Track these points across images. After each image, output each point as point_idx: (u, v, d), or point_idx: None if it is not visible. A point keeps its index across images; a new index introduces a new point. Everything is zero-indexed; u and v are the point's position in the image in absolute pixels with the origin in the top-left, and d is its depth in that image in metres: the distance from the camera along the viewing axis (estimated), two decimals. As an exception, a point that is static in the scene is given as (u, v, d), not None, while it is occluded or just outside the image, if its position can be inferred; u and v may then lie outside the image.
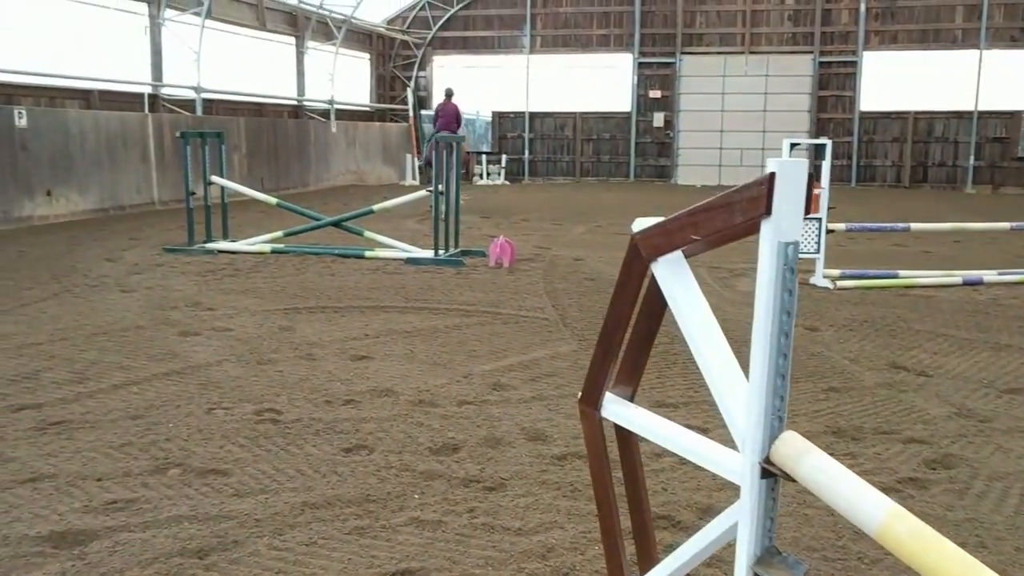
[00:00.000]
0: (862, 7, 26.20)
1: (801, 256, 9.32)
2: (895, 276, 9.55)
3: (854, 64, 26.60)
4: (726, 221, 2.11)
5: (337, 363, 5.98)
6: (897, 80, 26.60)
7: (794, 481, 1.99)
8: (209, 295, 8.35)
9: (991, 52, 25.81)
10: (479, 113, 28.33)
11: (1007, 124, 26.06)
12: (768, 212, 1.97)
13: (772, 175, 1.97)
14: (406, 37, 28.94)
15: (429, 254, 10.55)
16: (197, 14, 19.07)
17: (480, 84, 28.74)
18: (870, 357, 6.37)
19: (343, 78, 26.96)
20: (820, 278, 9.32)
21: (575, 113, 28.28)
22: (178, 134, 11.47)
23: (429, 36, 28.76)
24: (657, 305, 2.50)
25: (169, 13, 18.59)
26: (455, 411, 4.99)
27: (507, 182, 27.27)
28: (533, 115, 28.43)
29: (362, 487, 3.91)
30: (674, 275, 2.36)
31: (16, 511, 3.63)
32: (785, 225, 1.99)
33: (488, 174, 27.39)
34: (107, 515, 3.59)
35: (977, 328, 7.37)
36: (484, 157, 27.53)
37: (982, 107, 26.11)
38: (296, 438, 4.52)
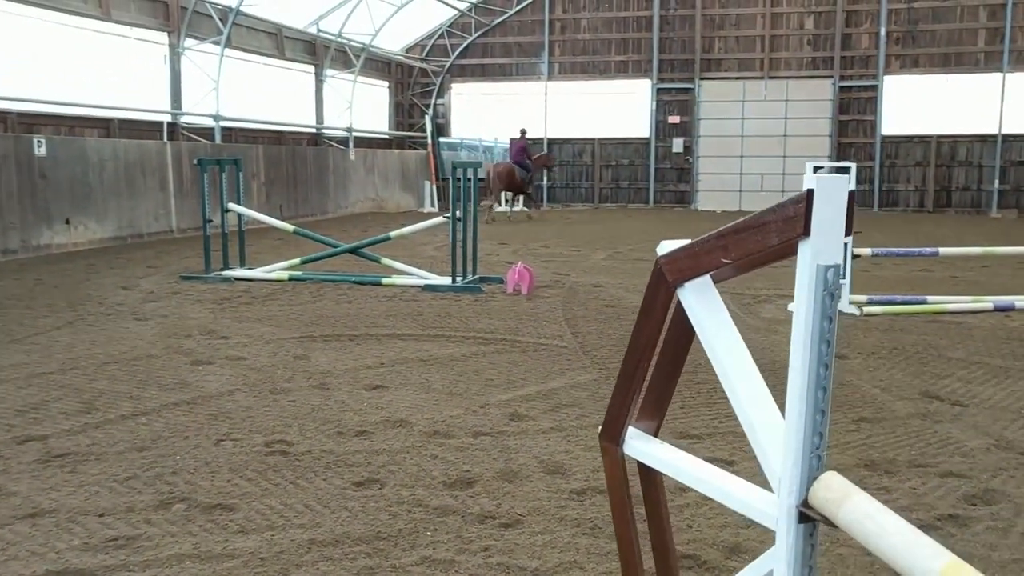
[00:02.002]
0: (882, 31, 26.05)
1: (826, 281, 9.13)
2: (923, 302, 9.31)
3: (875, 88, 26.40)
4: (759, 243, 1.95)
5: (351, 393, 5.83)
6: (919, 104, 26.37)
7: (835, 527, 1.82)
8: (224, 323, 8.24)
9: (1014, 75, 25.55)
10: (497, 140, 28.32)
11: (1032, 147, 25.74)
12: (807, 232, 1.81)
13: (810, 192, 1.81)
14: (425, 65, 29.04)
15: (447, 281, 10.42)
16: (216, 43, 19.19)
17: (499, 111, 28.77)
18: (901, 386, 6.15)
19: (362, 106, 27.07)
20: (847, 304, 9.09)
21: (594, 139, 28.21)
22: (195, 161, 11.45)
23: (447, 64, 28.84)
24: (684, 333, 2.34)
25: (189, 42, 18.72)
26: (471, 443, 4.82)
27: (524, 208, 27.17)
28: (552, 141, 28.37)
29: (372, 524, 3.74)
30: (702, 301, 2.19)
31: (13, 548, 3.49)
32: (824, 246, 1.82)
33: (505, 200, 27.29)
34: (106, 553, 3.44)
35: (1012, 356, 7.13)
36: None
37: (1006, 130, 25.81)
38: (306, 471, 4.36)
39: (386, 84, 29.05)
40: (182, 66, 18.62)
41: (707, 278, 2.22)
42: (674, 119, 27.41)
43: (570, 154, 28.52)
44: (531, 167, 22.93)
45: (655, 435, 2.48)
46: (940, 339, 7.77)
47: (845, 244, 8.96)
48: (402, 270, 10.72)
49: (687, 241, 2.22)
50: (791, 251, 1.87)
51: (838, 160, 26.48)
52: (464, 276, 10.55)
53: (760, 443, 1.98)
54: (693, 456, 2.31)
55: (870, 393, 5.95)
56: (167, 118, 18.32)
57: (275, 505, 3.93)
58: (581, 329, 8.08)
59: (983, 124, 26.07)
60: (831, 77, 26.53)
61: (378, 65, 27.97)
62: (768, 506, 1.97)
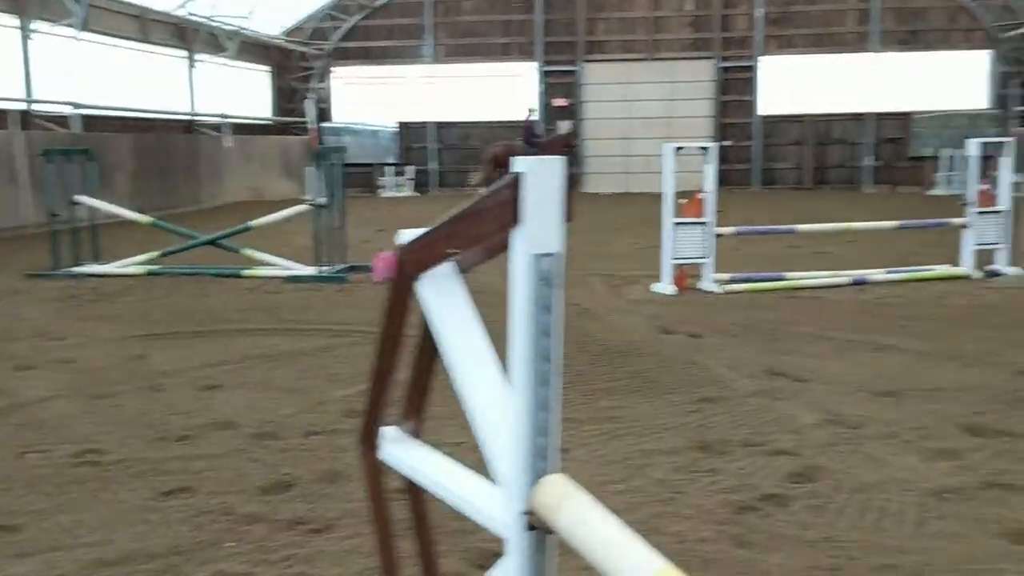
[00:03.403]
0: (759, 12, 26.62)
1: (690, 261, 9.21)
2: (782, 278, 9.48)
3: (753, 69, 27.00)
4: (480, 231, 1.80)
5: (183, 394, 5.52)
6: (795, 84, 27.10)
7: (554, 534, 1.70)
8: (63, 323, 7.76)
9: (883, 55, 26.50)
10: (386, 124, 27.90)
11: (901, 124, 26.79)
12: (519, 219, 1.67)
13: (518, 177, 1.67)
14: (306, 49, 28.30)
15: (313, 271, 10.11)
16: (71, 25, 18.18)
17: (384, 95, 28.30)
18: (748, 363, 6.19)
19: (241, 92, 26.20)
20: (709, 283, 9.19)
21: (481, 122, 28.04)
22: (40, 152, 10.79)
23: (330, 47, 28.17)
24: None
25: (41, 25, 17.67)
26: (298, 443, 4.60)
27: (415, 193, 26.88)
28: (439, 125, 28.08)
29: (171, 537, 3.50)
30: (440, 293, 2.04)
31: None
32: (538, 234, 1.68)
33: (395, 185, 26.95)
34: None
35: (859, 329, 7.29)
36: (389, 168, 27.08)
37: (877, 109, 26.77)
38: (111, 482, 4.07)
39: (267, 69, 28.20)
40: (35, 50, 17.57)
41: (450, 269, 2.07)
42: (560, 102, 27.46)
43: (458, 137, 28.28)
44: (539, 147, 22.20)
45: (417, 436, 2.33)
46: (794, 315, 7.90)
47: (706, 223, 9.04)
48: (265, 261, 10.34)
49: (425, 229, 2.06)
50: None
51: (721, 140, 27.04)
52: (332, 265, 10.24)
53: (489, 446, 1.84)
54: (444, 457, 2.16)
55: (717, 372, 5.97)
56: (20, 106, 17.27)
57: (66, 522, 3.64)
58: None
59: (855, 103, 26.98)
60: (712, 58, 27.01)
61: (257, 49, 27.11)
62: (501, 513, 1.84)
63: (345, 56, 28.35)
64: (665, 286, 9.12)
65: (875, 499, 3.79)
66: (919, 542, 3.38)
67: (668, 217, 9.09)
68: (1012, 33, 25.82)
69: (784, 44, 26.95)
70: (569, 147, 24.74)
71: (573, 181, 24.19)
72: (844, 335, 7.06)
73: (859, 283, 9.38)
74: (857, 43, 26.62)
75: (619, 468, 4.19)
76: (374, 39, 28.09)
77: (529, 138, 24.37)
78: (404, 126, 28.11)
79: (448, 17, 27.80)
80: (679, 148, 9.18)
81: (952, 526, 3.52)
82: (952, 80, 26.76)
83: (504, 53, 27.81)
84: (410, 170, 27.33)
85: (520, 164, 1.67)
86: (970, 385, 5.59)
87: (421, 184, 27.50)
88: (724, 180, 26.82)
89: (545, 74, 27.58)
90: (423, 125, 28.12)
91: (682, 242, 9.08)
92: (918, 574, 3.15)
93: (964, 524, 3.54)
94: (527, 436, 1.72)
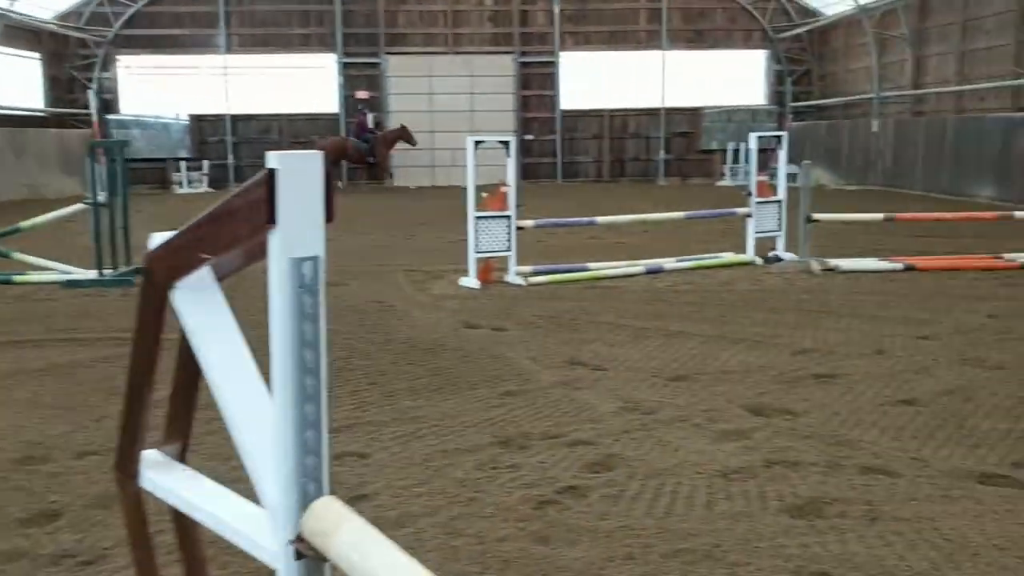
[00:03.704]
0: (556, 9, 27.28)
1: (494, 254, 9.25)
2: (584, 269, 9.71)
3: (553, 64, 27.65)
4: (233, 234, 1.63)
5: (-67, 418, 4.92)
6: (593, 79, 27.98)
7: (327, 562, 1.57)
8: None
9: (672, 53, 27.85)
10: (178, 117, 26.45)
11: (690, 119, 28.26)
12: (273, 221, 1.52)
13: (272, 173, 1.51)
14: (83, 35, 26.30)
15: (94, 275, 9.36)
16: None
17: (176, 86, 26.81)
18: (551, 354, 6.27)
19: (5, 80, 23.98)
20: (513, 275, 9.27)
21: (281, 115, 27.14)
22: None
23: (111, 34, 26.33)
24: (195, 340, 2.00)
25: None
26: (70, 466, 4.20)
27: (211, 189, 25.65)
28: (235, 118, 26.93)
29: (-91, 586, 3.07)
30: (197, 303, 1.85)
31: None
32: (297, 236, 1.54)
33: (189, 182, 25.62)
34: None
35: (654, 316, 7.56)
36: (183, 164, 25.72)
37: (668, 104, 28.12)
38: None
39: (37, 56, 25.98)
40: None
41: (208, 275, 1.88)
42: (362, 94, 27.03)
43: (256, 131, 27.24)
44: (372, 141, 24.53)
45: (181, 459, 2.13)
46: (594, 304, 8.09)
47: (509, 217, 9.10)
48: (38, 265, 9.49)
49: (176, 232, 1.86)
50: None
51: (523, 134, 27.53)
52: (115, 268, 9.53)
53: (255, 470, 1.68)
54: (211, 482, 1.98)
55: (520, 364, 6.00)
56: None
57: None
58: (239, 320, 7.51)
59: (649, 99, 28.22)
60: (512, 53, 27.42)
61: (25, 34, 24.91)
62: (269, 541, 1.68)
63: (129, 44, 26.60)
64: (470, 280, 9.12)
65: (668, 484, 3.89)
66: (709, 524, 3.49)
67: (471, 211, 9.08)
68: (787, 34, 27.82)
69: (581, 41, 27.76)
70: (407, 140, 24.82)
71: (399, 135, 24.45)
72: (640, 323, 7.29)
73: (653, 272, 9.75)
74: (649, 41, 27.83)
75: (420, 470, 4.09)
76: (161, 26, 26.52)
77: (361, 132, 24.42)
78: (197, 119, 26.75)
79: (242, 6, 26.69)
80: (479, 142, 9.19)
81: (738, 505, 3.66)
82: (735, 77, 28.51)
83: (303, 44, 27.05)
84: (205, 165, 26.05)
85: (273, 159, 1.52)
86: (754, 366, 5.90)
87: (217, 180, 26.29)
88: (528, 173, 27.44)
89: (346, 66, 27.04)
90: (218, 118, 26.88)
91: (485, 236, 9.10)
92: (708, 555, 3.24)
93: (749, 503, 3.69)
94: (293, 457, 1.58)
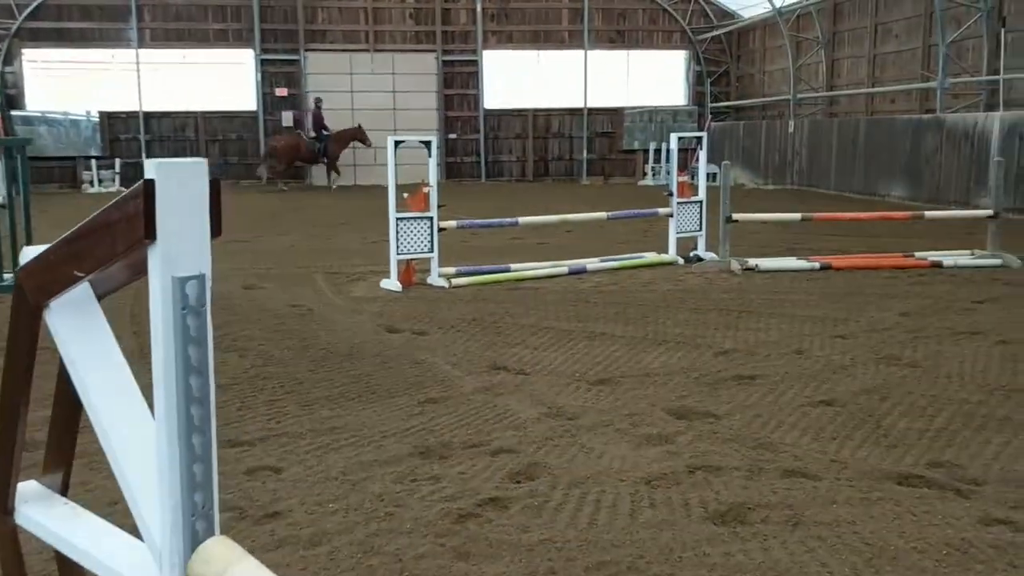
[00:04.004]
0: (478, 7, 27.16)
1: (416, 256, 9.10)
2: (507, 270, 9.63)
3: (475, 63, 27.53)
4: (108, 249, 1.48)
5: None
6: (516, 79, 27.94)
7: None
8: None
9: (594, 52, 28.00)
10: (89, 114, 25.49)
11: (612, 119, 28.47)
12: (152, 235, 1.37)
13: (150, 183, 1.37)
14: (-16, 27, 25.16)
15: (-7, 280, 8.90)
16: None
17: (86, 81, 25.84)
18: (473, 359, 6.16)
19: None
20: (436, 277, 9.13)
21: (196, 113, 26.39)
22: None
23: (14, 26, 25.21)
24: (75, 363, 1.83)
25: None
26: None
27: (123, 188, 24.80)
28: (148, 115, 26.08)
29: None
30: (74, 323, 1.69)
31: None
32: (180, 253, 1.40)
33: (100, 181, 24.73)
34: None
35: (577, 318, 7.52)
36: (94, 162, 24.81)
37: (591, 104, 28.27)
38: None
39: (-65, 48, 24.76)
40: None
41: (87, 293, 1.72)
42: (282, 92, 26.49)
43: (170, 129, 26.45)
44: (326, 139, 24.36)
45: (63, 491, 1.95)
46: (517, 306, 8.01)
47: (431, 218, 8.95)
48: (-69, 271, 8.97)
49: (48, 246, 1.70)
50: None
51: (446, 134, 27.36)
52: (15, 274, 9.06)
53: (139, 508, 1.53)
54: (96, 518, 1.81)
55: (442, 370, 5.88)
56: None
57: None
58: (147, 327, 7.20)
59: (572, 98, 28.32)
60: (434, 51, 27.20)
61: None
62: (154, 587, 1.54)
63: (35, 37, 25.51)
64: (391, 282, 8.95)
65: (591, 493, 3.82)
66: (632, 534, 3.43)
67: (391, 212, 8.92)
68: (706, 35, 28.24)
69: (504, 39, 27.71)
70: (361, 140, 24.53)
71: (353, 135, 24.23)
72: (562, 324, 7.24)
73: (577, 272, 9.73)
74: (571, 40, 27.93)
75: (336, 485, 3.94)
76: (69, 19, 25.51)
77: (318, 129, 24.24)
78: (108, 116, 25.84)
79: (154, -1, 25.89)
80: (399, 142, 9.02)
81: (661, 513, 3.61)
82: (656, 77, 28.82)
83: (219, 40, 26.34)
84: (117, 164, 25.19)
85: (151, 168, 1.38)
86: (677, 368, 5.90)
87: (130, 179, 25.44)
88: (452, 173, 27.29)
89: (264, 63, 26.45)
90: (131, 115, 26.01)
91: (406, 237, 8.95)
92: (631, 567, 3.18)
93: (672, 511, 3.64)
94: (180, 494, 1.44)
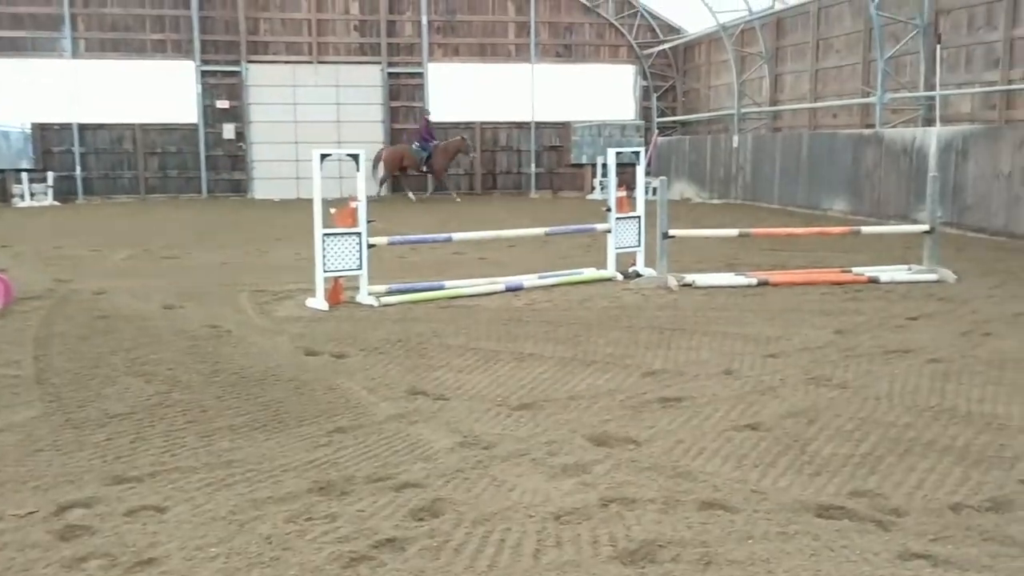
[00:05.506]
0: (424, 20, 26.95)
1: (344, 273, 8.80)
2: (441, 287, 9.38)
3: (421, 75, 27.30)
4: None
5: None
6: (463, 92, 27.74)
7: None
8: None
9: (541, 66, 27.94)
10: (24, 126, 24.73)
11: (560, 133, 28.40)
12: None
13: None
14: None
15: None
16: None
17: (17, 92, 25.07)
18: (392, 383, 5.90)
19: None
20: (365, 296, 8.85)
21: (134, 124, 25.76)
22: None
23: (-58, 35, 24.43)
24: None
25: None
26: None
27: (57, 203, 24.11)
28: (83, 127, 25.39)
29: None
30: None
31: None
32: None
33: (32, 194, 23.98)
34: None
35: (506, 337, 7.29)
36: (25, 175, 24.05)
37: (538, 118, 28.18)
38: None
39: None
40: None
41: None
42: (223, 104, 25.99)
43: (107, 141, 25.77)
44: (431, 149, 24.66)
45: None
46: (447, 326, 7.76)
47: (359, 233, 8.68)
48: None
49: None
50: None
51: (392, 144, 27.07)
52: (-79, 292, 8.60)
53: None
54: None
55: (357, 396, 5.61)
56: None
57: None
58: (51, 350, 6.84)
59: (519, 112, 28.21)
60: (379, 63, 26.92)
61: None
62: None
63: (-37, 46, 24.74)
64: (318, 301, 8.65)
65: (496, 531, 3.59)
66: (533, 578, 3.20)
67: (318, 228, 8.63)
68: (653, 50, 28.34)
69: (450, 52, 27.52)
70: (464, 152, 24.57)
71: (457, 147, 25.03)
72: (491, 345, 7.01)
73: (513, 289, 9.51)
74: (518, 54, 27.83)
75: (222, 525, 3.65)
76: (0, 28, 24.74)
77: (425, 139, 24.21)
78: (41, 128, 25.10)
79: (90, 8, 25.21)
80: (325, 155, 8.75)
81: (567, 553, 3.39)
82: (604, 92, 28.83)
83: (158, 50, 25.77)
84: (50, 177, 24.46)
85: None
86: (602, 391, 5.70)
87: (64, 192, 24.76)
88: (399, 186, 26.93)
89: (205, 74, 25.92)
90: (65, 127, 25.30)
91: (334, 254, 8.66)
92: (529, 617, 2.94)
93: (580, 549, 3.42)
94: None
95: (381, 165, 24.83)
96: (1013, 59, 15.34)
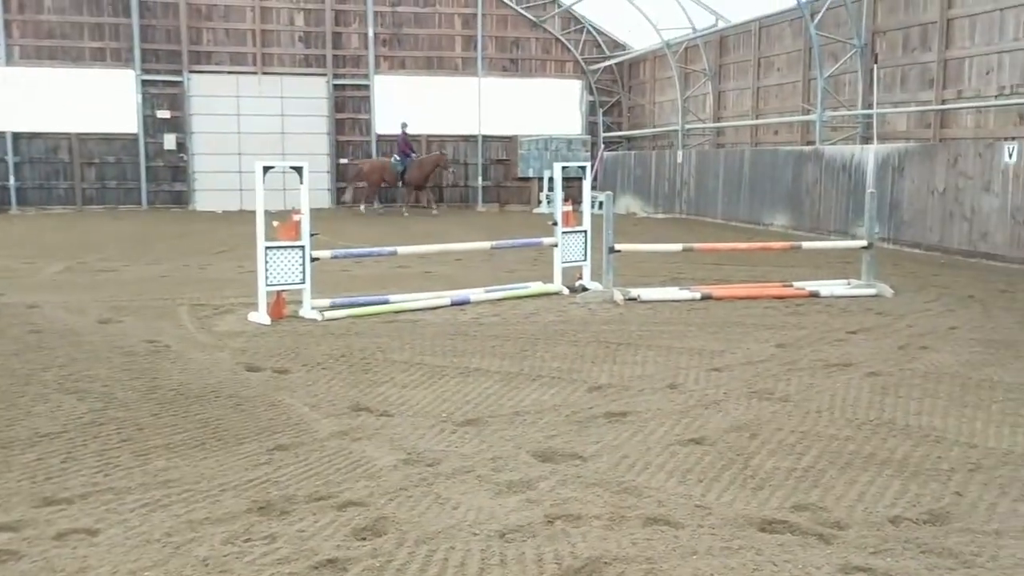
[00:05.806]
0: (370, 32, 26.83)
1: (287, 287, 8.66)
2: (386, 301, 9.29)
3: (367, 87, 27.15)
4: None
5: None
6: (409, 104, 27.55)
7: None
8: None
9: (488, 80, 27.99)
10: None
11: (507, 147, 28.46)
12: None
13: None
14: None
15: None
16: None
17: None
18: (334, 400, 5.81)
19: None
20: (308, 310, 8.72)
21: (71, 134, 25.15)
22: None
23: None
24: None
25: None
26: None
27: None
28: (17, 136, 24.72)
29: None
30: None
31: None
32: None
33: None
34: None
35: (452, 352, 7.24)
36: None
37: (484, 131, 28.20)
38: None
39: None
40: None
41: None
42: (164, 114, 25.53)
43: (42, 150, 25.12)
44: (407, 164, 24.56)
45: None
46: (392, 340, 7.68)
47: (303, 247, 8.57)
48: None
49: None
50: None
51: (337, 158, 26.86)
52: None
53: None
54: None
55: (299, 413, 5.50)
56: None
57: None
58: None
59: (466, 125, 28.19)
60: (325, 75, 26.71)
61: None
62: None
63: None
64: (260, 316, 8.50)
65: (440, 550, 3.54)
66: (477, 598, 3.15)
67: (260, 241, 8.50)
68: (599, 66, 28.59)
69: (396, 65, 27.42)
70: (444, 167, 24.25)
71: (435, 162, 24.70)
72: (436, 360, 6.95)
73: (459, 303, 9.46)
74: (465, 68, 27.85)
75: (157, 548, 3.54)
76: (-70, 34, 24.06)
77: (404, 152, 23.86)
78: (-28, 137, 24.40)
79: (25, 15, 24.58)
80: (268, 167, 8.62)
81: (512, 571, 3.35)
82: (551, 106, 28.97)
83: (96, 59, 25.21)
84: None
85: None
86: (548, 406, 5.68)
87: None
88: (344, 199, 26.68)
89: (145, 83, 25.45)
90: (-1, 136, 24.63)
91: (276, 267, 8.52)
92: (473, 638, 2.90)
93: (524, 568, 3.38)
94: None
95: (364, 179, 24.77)
96: (947, 79, 15.79)
